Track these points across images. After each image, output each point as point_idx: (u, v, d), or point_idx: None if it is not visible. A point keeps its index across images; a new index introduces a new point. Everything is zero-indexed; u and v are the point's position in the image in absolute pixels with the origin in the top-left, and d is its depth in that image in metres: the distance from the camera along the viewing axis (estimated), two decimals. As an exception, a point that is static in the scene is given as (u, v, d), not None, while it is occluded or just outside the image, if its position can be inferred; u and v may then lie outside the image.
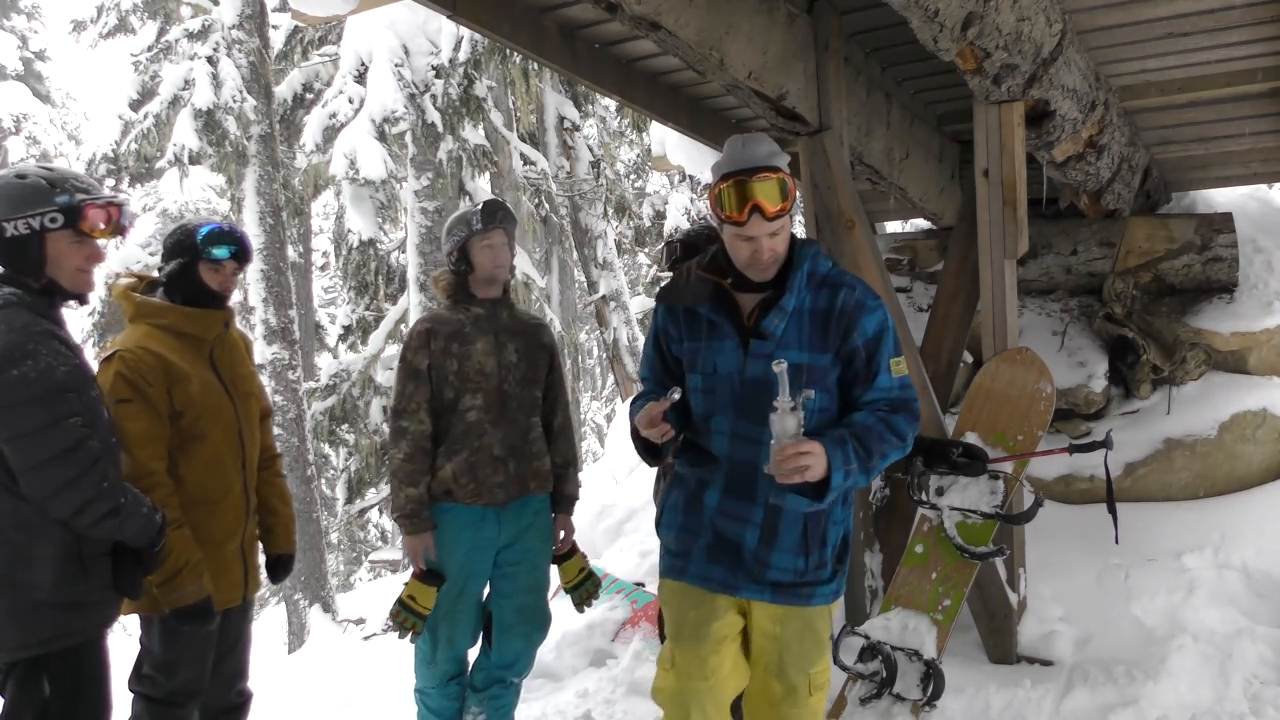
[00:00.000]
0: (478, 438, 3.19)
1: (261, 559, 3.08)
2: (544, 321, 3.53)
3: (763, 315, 2.30)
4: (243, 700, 2.99)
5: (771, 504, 2.29)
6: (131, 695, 2.76)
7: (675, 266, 3.41)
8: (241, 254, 2.85)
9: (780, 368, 2.03)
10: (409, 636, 3.22)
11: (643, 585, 5.01)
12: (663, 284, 2.46)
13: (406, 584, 3.21)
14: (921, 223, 7.00)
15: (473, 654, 3.42)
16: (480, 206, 3.26)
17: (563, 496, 3.43)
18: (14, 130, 23.53)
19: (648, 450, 2.43)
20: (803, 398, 2.06)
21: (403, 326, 11.65)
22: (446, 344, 3.22)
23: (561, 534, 3.46)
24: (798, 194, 2.29)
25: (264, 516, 3.05)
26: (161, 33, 13.92)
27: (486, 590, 3.34)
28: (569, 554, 3.48)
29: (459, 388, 3.21)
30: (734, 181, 2.19)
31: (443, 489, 3.20)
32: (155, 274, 2.90)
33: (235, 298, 3.02)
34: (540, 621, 3.36)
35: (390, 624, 3.25)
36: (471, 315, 3.27)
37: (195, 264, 2.80)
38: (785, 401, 2.02)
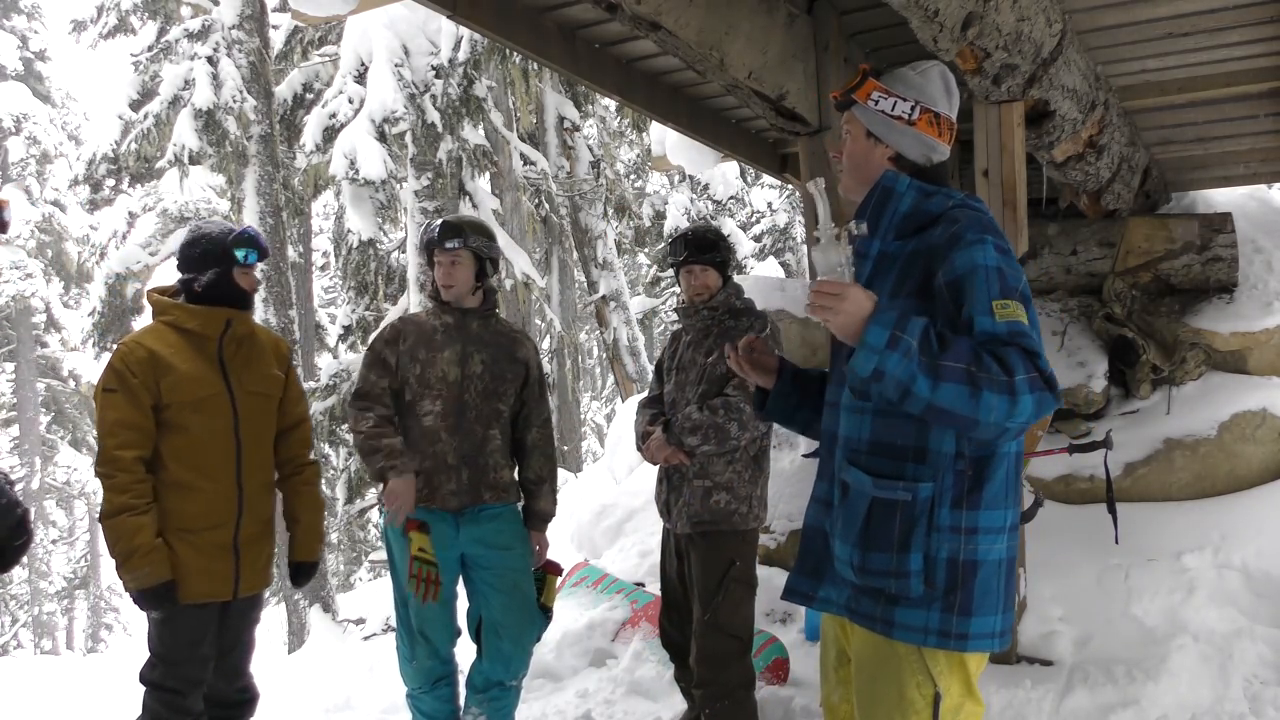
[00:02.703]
0: (432, 444, 3.20)
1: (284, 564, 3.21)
2: (523, 335, 3.51)
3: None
4: (248, 698, 3.02)
5: (841, 480, 1.93)
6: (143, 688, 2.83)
7: (681, 264, 3.40)
8: (264, 254, 3.00)
9: (817, 186, 1.69)
10: (434, 591, 3.11)
11: (643, 585, 5.00)
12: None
13: (410, 540, 3.12)
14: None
15: (467, 657, 3.42)
16: (437, 226, 3.26)
17: (532, 513, 3.41)
18: (14, 130, 23.53)
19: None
20: (851, 228, 1.70)
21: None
22: (413, 348, 3.25)
23: (537, 550, 3.45)
24: (878, 102, 1.95)
25: (288, 523, 3.14)
26: (161, 33, 13.91)
27: (460, 591, 3.35)
28: (541, 576, 3.45)
29: (418, 391, 3.23)
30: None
31: None
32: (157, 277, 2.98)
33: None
34: (526, 621, 3.34)
35: (416, 587, 3.11)
36: (442, 322, 3.29)
37: (230, 271, 2.91)
38: (826, 229, 1.67)
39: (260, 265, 3.01)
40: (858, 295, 1.66)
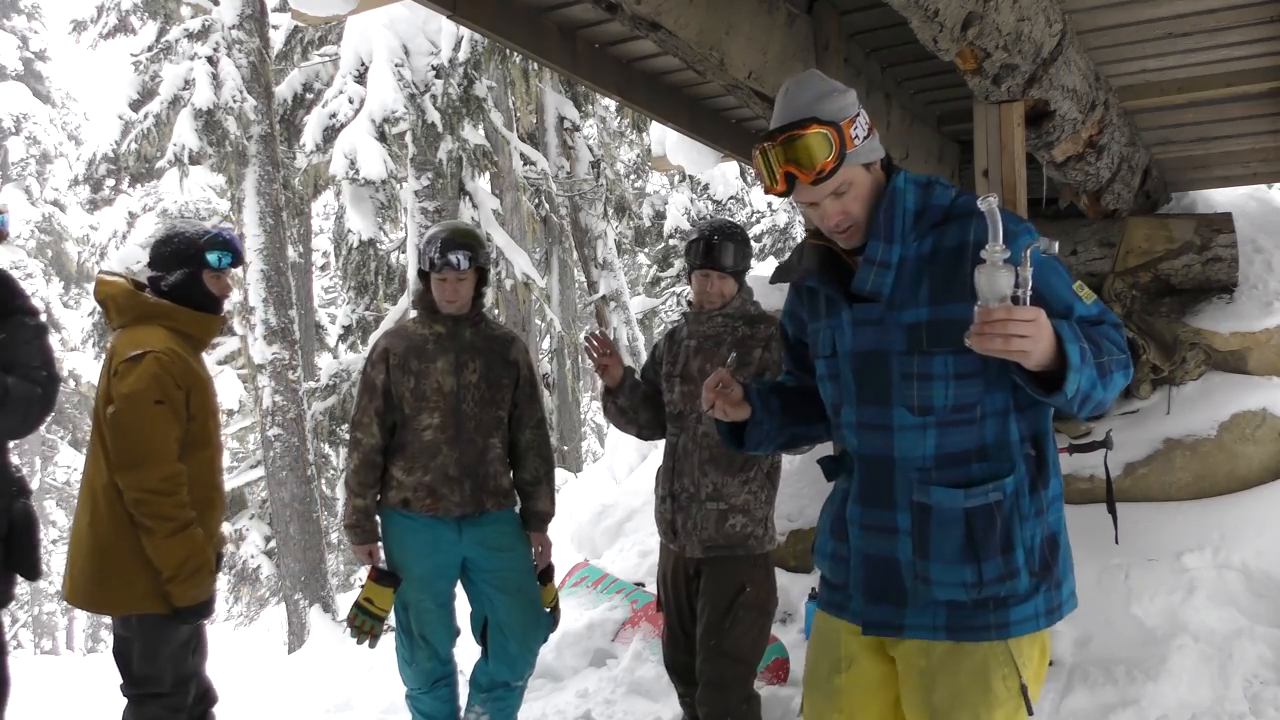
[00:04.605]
0: (432, 456, 3.20)
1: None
2: (514, 336, 3.46)
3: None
4: (210, 698, 3.02)
5: (918, 503, 1.83)
6: (128, 699, 2.82)
7: (698, 266, 3.14)
8: (237, 259, 2.93)
9: (989, 203, 1.56)
10: (367, 642, 3.24)
11: (642, 585, 5.00)
12: (780, 262, 2.13)
13: (363, 587, 3.25)
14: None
15: (468, 656, 3.42)
16: (440, 241, 3.17)
17: (532, 514, 3.40)
18: (14, 130, 23.56)
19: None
20: (1036, 248, 1.57)
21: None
22: (404, 361, 3.22)
23: (539, 550, 3.45)
24: (858, 134, 1.81)
25: None
26: (161, 33, 13.90)
27: (459, 591, 3.36)
28: (544, 577, 3.45)
29: (416, 405, 3.20)
30: (762, 148, 1.81)
31: (400, 498, 3.22)
32: (143, 278, 2.93)
33: (235, 297, 3.07)
34: (532, 622, 3.34)
35: (349, 630, 3.26)
36: (434, 332, 3.26)
37: (200, 273, 2.85)
38: (996, 251, 1.52)
39: (231, 268, 2.91)
40: (1045, 318, 1.55)
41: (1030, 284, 1.53)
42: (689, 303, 3.31)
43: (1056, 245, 1.66)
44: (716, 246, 3.10)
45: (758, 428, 2.08)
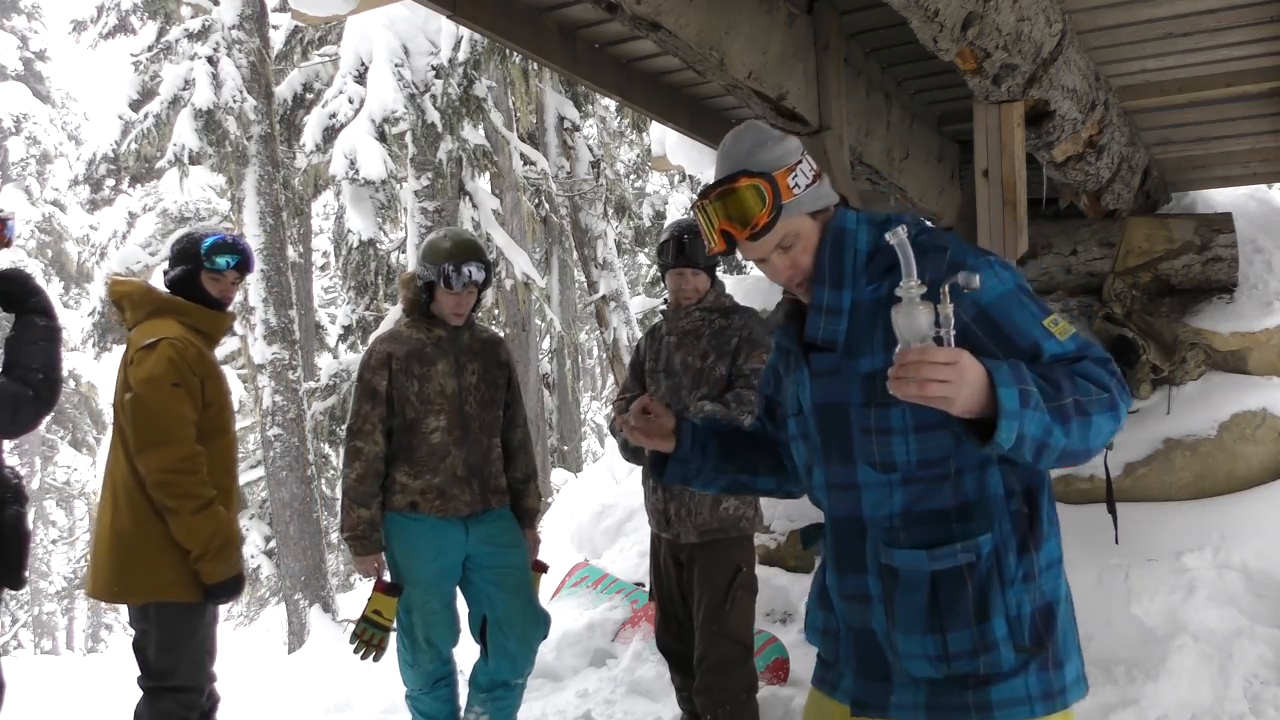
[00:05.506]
0: (441, 459, 3.21)
1: None
2: (500, 338, 3.54)
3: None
4: (214, 703, 3.03)
5: (884, 566, 1.68)
6: (144, 691, 2.84)
7: (671, 265, 3.25)
8: (243, 264, 2.95)
9: (897, 238, 1.43)
10: (372, 655, 3.19)
11: (642, 585, 5.00)
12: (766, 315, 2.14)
13: (369, 600, 3.22)
14: (921, 223, 7.00)
15: (467, 656, 3.42)
16: (454, 257, 3.17)
17: (523, 511, 3.45)
18: (14, 130, 23.56)
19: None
20: (955, 283, 1.41)
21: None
22: (406, 364, 3.22)
23: (532, 546, 3.49)
24: (798, 183, 1.69)
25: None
26: (161, 33, 13.89)
27: (459, 592, 3.38)
28: (536, 570, 3.50)
29: (421, 409, 3.21)
30: (700, 204, 1.71)
31: (407, 501, 3.22)
32: (157, 277, 3.00)
33: (235, 298, 3.10)
34: (532, 619, 3.36)
35: (355, 645, 3.22)
36: (433, 336, 3.27)
37: (198, 272, 2.90)
38: (911, 287, 1.40)
39: (234, 273, 2.93)
40: (969, 360, 1.38)
41: (953, 322, 1.39)
42: (666, 301, 3.41)
43: (977, 279, 1.45)
44: (688, 245, 3.22)
45: (682, 465, 1.96)
